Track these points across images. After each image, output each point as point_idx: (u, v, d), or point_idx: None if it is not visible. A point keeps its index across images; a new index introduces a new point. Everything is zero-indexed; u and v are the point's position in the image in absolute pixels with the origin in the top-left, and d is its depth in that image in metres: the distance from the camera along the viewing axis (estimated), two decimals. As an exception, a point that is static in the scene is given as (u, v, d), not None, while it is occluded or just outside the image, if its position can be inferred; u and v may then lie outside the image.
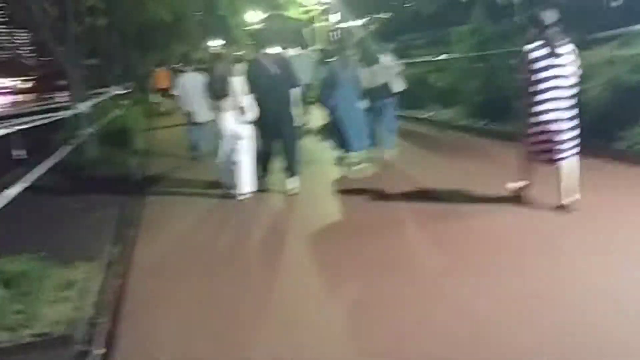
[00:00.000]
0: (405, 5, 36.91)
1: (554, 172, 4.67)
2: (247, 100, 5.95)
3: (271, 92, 6.01)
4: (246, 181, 6.16)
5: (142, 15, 20.93)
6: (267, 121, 6.10)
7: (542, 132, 4.56)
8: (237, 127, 6.02)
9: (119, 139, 10.97)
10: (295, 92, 6.46)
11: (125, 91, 18.52)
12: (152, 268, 4.64)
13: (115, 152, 9.61)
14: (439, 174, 6.65)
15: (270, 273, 4.25)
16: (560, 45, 4.42)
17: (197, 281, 4.23)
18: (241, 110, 5.95)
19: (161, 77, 18.65)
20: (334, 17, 16.44)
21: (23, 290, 3.63)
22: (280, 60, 6.38)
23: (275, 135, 6.27)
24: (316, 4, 16.39)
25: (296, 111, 6.68)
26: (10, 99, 48.96)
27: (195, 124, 8.93)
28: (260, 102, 6.02)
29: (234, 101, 5.96)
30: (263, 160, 6.45)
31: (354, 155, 6.90)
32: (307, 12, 17.49)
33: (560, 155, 4.53)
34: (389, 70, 7.04)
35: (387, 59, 7.12)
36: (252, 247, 5.08)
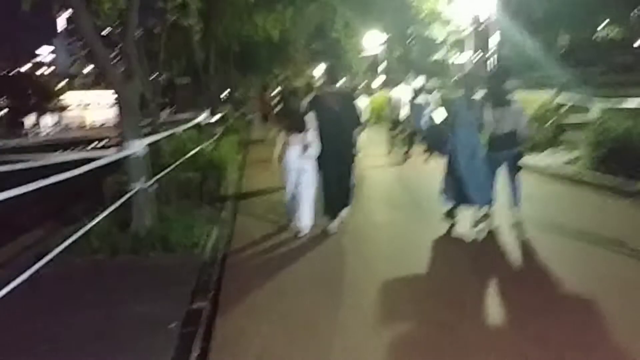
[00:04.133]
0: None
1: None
2: (312, 135, 5.77)
3: (333, 128, 5.81)
4: (308, 216, 5.86)
5: (247, 30, 17.95)
6: (328, 158, 5.87)
7: None
8: (301, 162, 5.81)
9: (195, 191, 7.36)
10: (357, 130, 6.25)
11: (215, 118, 15.20)
12: None
13: (184, 216, 5.89)
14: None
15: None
16: None
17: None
18: (306, 144, 5.77)
19: (264, 102, 15.97)
20: (493, 40, 12.16)
21: None
22: (344, 97, 6.26)
23: (335, 171, 5.98)
24: (472, 21, 12.20)
25: (357, 149, 6.35)
26: (107, 114, 48.56)
27: None
28: (322, 138, 5.79)
29: (302, 136, 5.79)
30: (327, 197, 6.06)
31: (469, 212, 5.93)
32: (454, 32, 13.30)
33: None
34: (520, 115, 5.96)
35: (518, 102, 6.05)
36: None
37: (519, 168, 6.14)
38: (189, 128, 10.65)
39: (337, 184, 5.98)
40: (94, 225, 4.87)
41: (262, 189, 8.60)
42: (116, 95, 5.35)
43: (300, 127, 5.70)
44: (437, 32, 14.22)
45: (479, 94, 5.91)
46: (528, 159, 10.23)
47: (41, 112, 77.11)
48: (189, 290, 4.20)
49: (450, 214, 5.96)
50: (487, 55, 12.53)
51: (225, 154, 10.69)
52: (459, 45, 13.62)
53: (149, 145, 7.35)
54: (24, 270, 3.52)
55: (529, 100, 11.40)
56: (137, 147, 5.37)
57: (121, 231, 5.30)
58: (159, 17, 8.66)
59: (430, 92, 12.33)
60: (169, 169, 6.96)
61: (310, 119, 5.75)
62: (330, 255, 5.26)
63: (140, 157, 5.45)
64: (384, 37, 20.50)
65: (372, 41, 21.77)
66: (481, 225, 5.76)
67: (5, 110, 69.25)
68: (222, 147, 11.63)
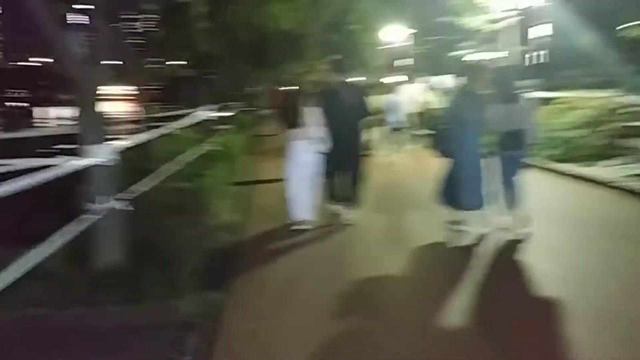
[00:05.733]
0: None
1: None
2: (319, 131, 5.77)
3: (343, 122, 5.80)
4: (308, 210, 5.87)
5: (258, 18, 16.61)
6: (336, 151, 5.83)
7: None
8: (306, 157, 5.84)
9: (184, 207, 5.99)
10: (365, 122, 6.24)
11: (222, 113, 13.83)
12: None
13: (166, 245, 4.50)
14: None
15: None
16: None
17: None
18: (312, 140, 5.78)
19: (275, 97, 15.05)
20: (537, 31, 10.68)
21: None
22: (354, 89, 6.31)
23: (342, 165, 6.00)
24: (511, 9, 10.71)
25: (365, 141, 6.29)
26: (127, 107, 47.26)
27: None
28: (332, 131, 5.77)
29: (306, 131, 5.80)
30: (331, 190, 6.10)
31: (465, 216, 5.49)
32: (492, 22, 11.81)
33: None
34: (529, 114, 5.59)
35: (529, 98, 5.78)
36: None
37: (522, 168, 5.67)
38: (187, 127, 9.29)
39: (344, 177, 6.00)
40: (39, 260, 3.53)
41: (271, 190, 7.62)
42: (72, 84, 3.95)
43: (303, 122, 5.70)
44: (469, 22, 12.70)
45: (481, 89, 5.60)
46: (582, 170, 8.79)
47: (55, 104, 76.68)
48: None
49: (453, 222, 5.61)
50: (526, 49, 11.02)
51: (230, 155, 9.37)
52: (494, 37, 12.12)
53: (131, 149, 6.01)
54: None
55: (580, 101, 9.95)
56: (100, 153, 3.98)
57: (77, 270, 3.91)
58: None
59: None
60: (154, 180, 5.60)
61: (315, 113, 5.74)
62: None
63: (105, 167, 4.06)
64: (404, 30, 19.01)
65: (392, 35, 20.29)
66: (476, 230, 5.46)
67: (18, 102, 69.10)
68: (228, 147, 10.31)
